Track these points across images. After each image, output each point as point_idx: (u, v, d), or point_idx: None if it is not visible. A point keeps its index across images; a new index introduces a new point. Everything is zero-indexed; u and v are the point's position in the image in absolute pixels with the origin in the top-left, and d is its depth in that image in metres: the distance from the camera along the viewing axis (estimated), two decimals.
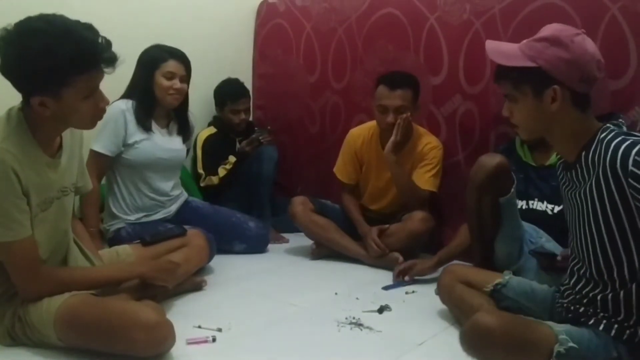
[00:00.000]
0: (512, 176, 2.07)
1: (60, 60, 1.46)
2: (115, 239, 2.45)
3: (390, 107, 2.57)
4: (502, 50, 1.47)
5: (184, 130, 2.68)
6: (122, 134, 2.45)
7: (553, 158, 2.24)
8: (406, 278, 2.41)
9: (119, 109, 2.45)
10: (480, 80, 2.67)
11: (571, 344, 1.33)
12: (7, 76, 1.51)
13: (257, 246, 2.85)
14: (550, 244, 2.10)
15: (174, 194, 2.65)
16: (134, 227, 2.48)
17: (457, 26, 2.73)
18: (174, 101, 2.53)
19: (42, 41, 1.45)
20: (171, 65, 2.50)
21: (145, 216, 2.55)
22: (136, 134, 2.48)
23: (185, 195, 2.77)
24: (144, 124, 2.49)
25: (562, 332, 1.36)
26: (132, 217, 2.51)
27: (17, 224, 1.55)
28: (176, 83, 2.50)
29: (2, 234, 1.54)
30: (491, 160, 2.05)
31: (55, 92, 1.51)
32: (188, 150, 2.86)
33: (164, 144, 2.56)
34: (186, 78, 2.56)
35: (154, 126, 2.54)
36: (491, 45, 1.51)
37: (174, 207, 2.65)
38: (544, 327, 1.39)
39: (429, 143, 2.71)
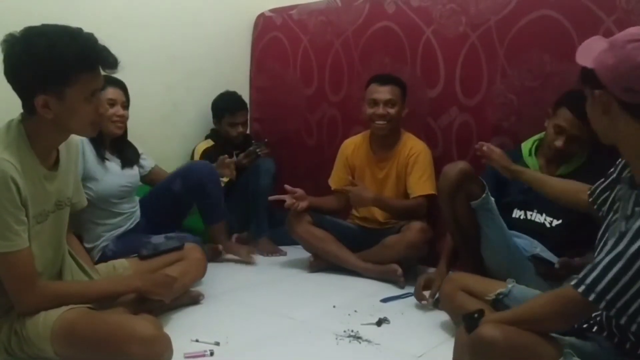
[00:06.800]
0: (479, 180, 2.08)
1: (64, 55, 1.52)
2: (102, 259, 2.34)
3: (380, 100, 2.68)
4: (584, 47, 1.36)
5: (132, 155, 2.59)
6: (82, 166, 2.29)
7: (563, 169, 2.19)
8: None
9: (75, 140, 2.30)
10: (477, 92, 2.68)
11: (575, 359, 1.32)
12: (13, 77, 1.55)
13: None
14: (546, 254, 2.10)
15: (133, 206, 2.60)
16: (116, 243, 2.43)
17: (453, 39, 2.74)
18: (117, 130, 2.46)
19: (47, 39, 1.52)
20: (110, 92, 2.41)
21: (119, 229, 2.49)
22: (96, 167, 2.40)
23: (136, 198, 2.67)
24: (103, 155, 2.43)
25: (567, 346, 1.34)
26: (110, 235, 2.45)
27: (15, 235, 1.54)
28: (119, 110, 2.43)
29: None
30: (453, 168, 2.10)
31: (59, 91, 1.55)
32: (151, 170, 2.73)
33: (122, 172, 2.50)
34: (127, 104, 2.48)
35: (107, 155, 2.47)
36: (586, 42, 1.37)
37: (138, 213, 2.60)
38: (548, 340, 1.38)
39: (412, 147, 2.74)
